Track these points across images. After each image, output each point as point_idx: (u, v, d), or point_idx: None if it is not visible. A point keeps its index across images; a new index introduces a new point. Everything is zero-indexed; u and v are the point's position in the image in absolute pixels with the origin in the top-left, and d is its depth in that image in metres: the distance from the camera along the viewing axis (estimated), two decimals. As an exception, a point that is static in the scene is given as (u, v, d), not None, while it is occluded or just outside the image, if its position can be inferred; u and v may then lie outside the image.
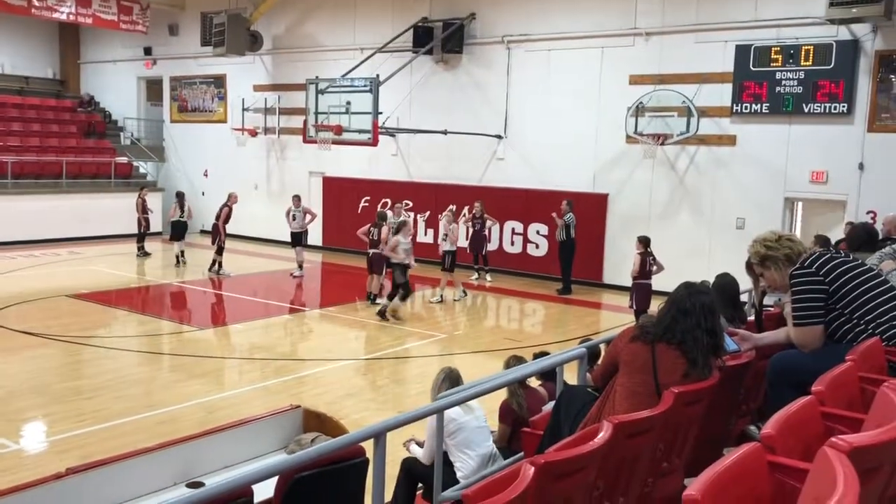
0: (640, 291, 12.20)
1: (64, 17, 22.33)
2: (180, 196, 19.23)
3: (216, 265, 17.10)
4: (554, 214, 16.01)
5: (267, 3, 20.97)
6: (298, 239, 17.23)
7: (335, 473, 3.79)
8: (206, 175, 24.32)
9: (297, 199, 17.50)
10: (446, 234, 15.25)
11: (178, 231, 18.68)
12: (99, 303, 14.09)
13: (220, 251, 17.12)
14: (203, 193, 24.35)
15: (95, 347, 11.21)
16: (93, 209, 21.99)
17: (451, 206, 16.73)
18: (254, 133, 22.53)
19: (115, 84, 26.75)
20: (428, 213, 19.44)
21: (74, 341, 11.31)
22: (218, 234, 17.06)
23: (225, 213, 17.09)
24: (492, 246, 17.79)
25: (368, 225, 14.77)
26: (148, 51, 25.39)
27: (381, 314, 13.19)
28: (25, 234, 20.46)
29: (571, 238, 15.76)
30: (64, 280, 15.90)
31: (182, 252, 18.53)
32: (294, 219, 17.19)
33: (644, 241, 12.50)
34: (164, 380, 9.98)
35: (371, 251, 14.50)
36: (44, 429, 8.08)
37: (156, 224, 21.63)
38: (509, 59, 17.95)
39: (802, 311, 3.88)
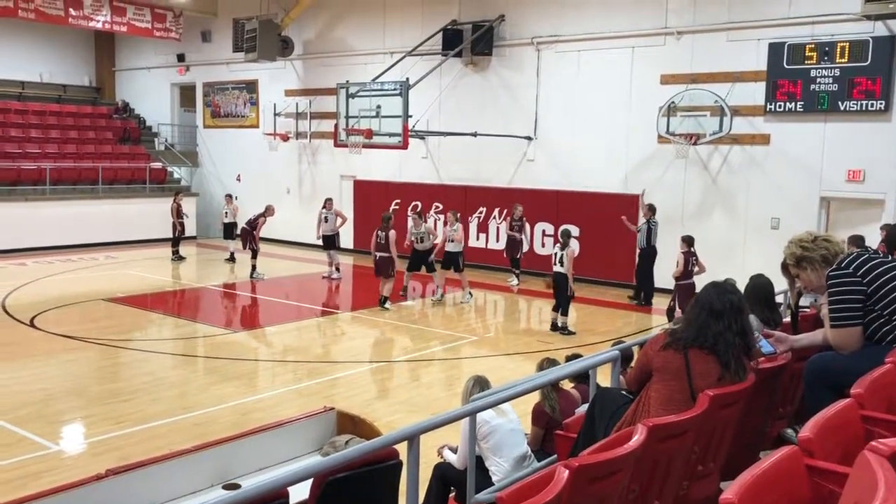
0: (683, 292, 12.07)
1: (99, 25, 22.74)
2: (227, 198, 20.26)
3: (253, 269, 17.27)
4: (624, 219, 15.55)
5: (298, 8, 21.15)
6: (332, 242, 17.30)
7: (369, 475, 3.81)
8: (238, 180, 24.58)
9: (329, 201, 17.63)
10: (451, 237, 15.02)
11: (229, 231, 19.68)
12: (135, 306, 14.30)
13: (254, 255, 17.30)
14: (236, 198, 24.62)
15: (132, 350, 11.39)
16: (128, 214, 22.36)
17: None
18: (285, 138, 22.74)
19: (149, 91, 27.18)
20: (458, 215, 19.42)
21: (111, 344, 11.49)
22: (251, 239, 17.28)
23: (260, 224, 17.34)
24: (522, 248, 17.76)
25: (377, 229, 14.54)
26: (181, 57, 25.75)
27: (563, 328, 12.58)
28: (63, 239, 20.85)
29: (651, 245, 15.00)
30: (101, 284, 16.17)
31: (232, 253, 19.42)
32: (326, 221, 17.27)
33: (688, 241, 12.41)
34: (198, 382, 10.09)
35: (378, 254, 14.31)
36: (82, 430, 8.22)
37: (190, 229, 21.92)
38: (539, 60, 17.92)
39: (840, 313, 3.82)
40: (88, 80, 28.02)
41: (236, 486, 4.58)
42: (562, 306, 12.55)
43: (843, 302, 3.81)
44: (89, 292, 15.14)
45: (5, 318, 13.08)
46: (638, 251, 15.19)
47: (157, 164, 24.65)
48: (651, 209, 14.99)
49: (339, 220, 17.41)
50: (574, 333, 12.43)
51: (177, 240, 19.83)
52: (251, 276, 17.14)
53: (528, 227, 16.91)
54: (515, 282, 16.87)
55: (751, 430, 3.97)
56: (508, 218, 17.19)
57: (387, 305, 14.27)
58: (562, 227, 14.66)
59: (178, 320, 13.72)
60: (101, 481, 4.26)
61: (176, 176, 25.50)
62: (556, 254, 12.48)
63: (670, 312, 12.28)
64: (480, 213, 18.97)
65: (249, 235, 17.37)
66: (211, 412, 8.61)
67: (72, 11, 21.66)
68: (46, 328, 12.36)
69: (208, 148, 25.82)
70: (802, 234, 4.22)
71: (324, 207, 17.48)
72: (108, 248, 21.17)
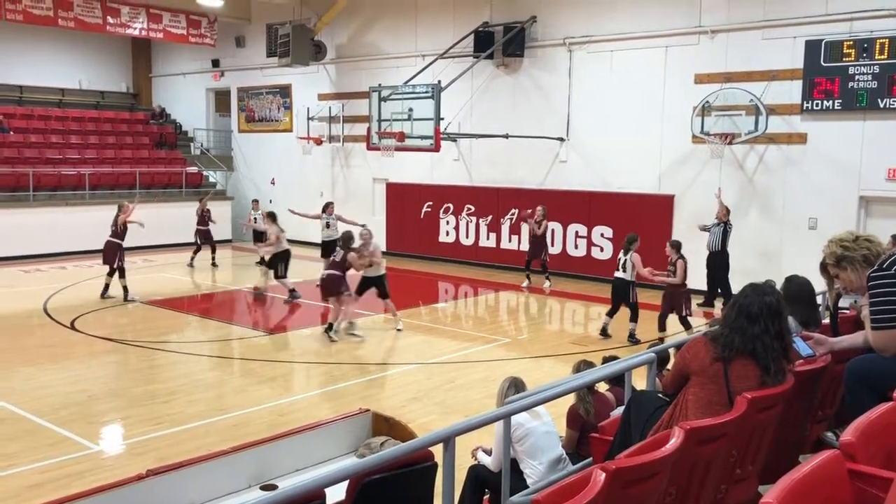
0: (686, 297, 11.71)
1: (136, 32, 23.13)
2: (253, 203, 20.00)
3: (121, 290, 14.86)
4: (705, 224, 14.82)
5: (330, 13, 21.33)
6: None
7: (405, 477, 3.83)
8: (273, 183, 24.83)
9: (330, 205, 17.18)
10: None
11: (258, 236, 19.38)
12: (171, 309, 14.51)
13: (122, 273, 14.84)
14: (270, 201, 24.84)
15: (169, 352, 11.55)
16: (165, 218, 22.62)
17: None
18: (319, 141, 22.92)
19: (184, 96, 27.59)
20: (490, 217, 19.45)
21: (149, 346, 11.67)
22: (119, 255, 14.87)
23: (121, 222, 14.96)
24: (555, 250, 17.69)
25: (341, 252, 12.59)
26: (216, 63, 26.10)
27: (631, 336, 12.06)
28: (102, 243, 21.13)
29: (725, 249, 14.37)
30: (138, 287, 16.36)
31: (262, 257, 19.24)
32: (328, 226, 16.67)
33: (677, 246, 11.89)
34: (234, 384, 10.21)
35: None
36: (122, 431, 8.36)
37: (225, 232, 22.12)
38: (571, 60, 17.85)
39: (881, 314, 3.75)
40: (126, 87, 28.53)
41: (273, 487, 4.63)
42: (631, 313, 12.14)
43: (884, 303, 3.75)
44: (128, 295, 15.42)
45: (47, 321, 13.37)
46: (708, 253, 14.54)
47: (193, 169, 24.98)
48: (727, 210, 14.48)
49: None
50: (640, 342, 11.95)
51: (200, 246, 19.11)
52: (125, 299, 14.75)
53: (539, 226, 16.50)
54: (548, 284, 16.71)
55: (790, 434, 3.92)
56: (532, 219, 16.65)
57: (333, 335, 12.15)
58: (629, 234, 13.45)
59: (213, 322, 13.89)
60: (142, 481, 4.34)
61: (212, 180, 25.82)
62: (619, 259, 12.25)
63: (684, 318, 11.79)
64: (512, 214, 18.92)
65: (119, 250, 14.86)
66: (247, 413, 8.70)
67: (109, 19, 22.06)
68: (86, 330, 12.60)
69: (243, 152, 26.12)
70: (843, 234, 4.16)
71: (324, 212, 16.90)
72: (145, 252, 21.46)
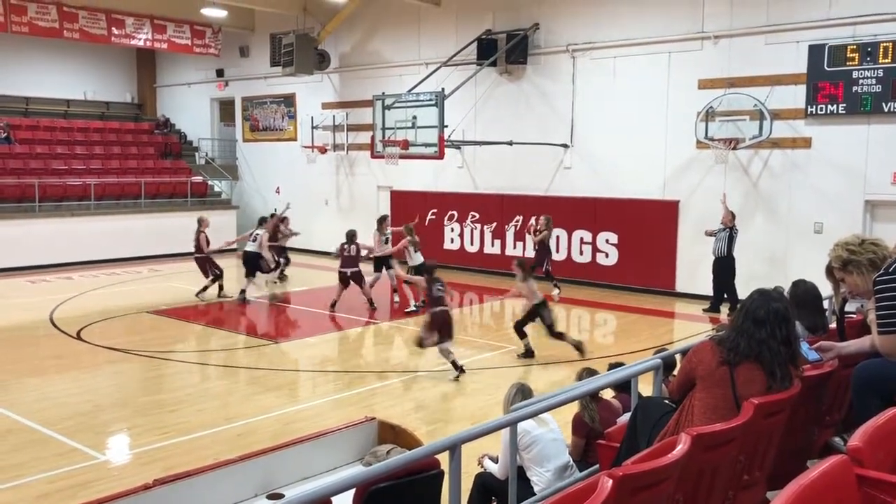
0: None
1: (141, 43, 23.24)
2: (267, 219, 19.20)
3: (217, 290, 16.24)
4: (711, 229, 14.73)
5: (333, 22, 21.40)
6: (389, 262, 15.47)
7: (411, 485, 3.83)
8: (277, 192, 24.88)
9: (385, 219, 16.24)
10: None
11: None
12: (178, 318, 14.53)
13: (220, 275, 16.36)
14: (275, 210, 24.92)
15: (175, 362, 11.56)
16: (170, 227, 22.68)
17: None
18: (323, 150, 22.97)
19: (189, 106, 27.69)
20: (494, 224, 19.46)
21: (156, 356, 11.68)
22: (210, 264, 16.27)
23: (204, 239, 16.06)
24: (560, 256, 17.68)
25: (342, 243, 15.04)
26: (220, 73, 26.20)
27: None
28: (108, 253, 21.28)
29: (731, 255, 14.25)
30: (145, 297, 16.47)
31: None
32: (387, 242, 15.66)
33: (428, 270, 11.20)
34: (240, 393, 10.20)
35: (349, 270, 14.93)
36: (128, 441, 8.36)
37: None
38: (574, 67, 17.87)
39: (888, 318, 3.75)
40: (130, 97, 28.66)
41: (280, 496, 4.63)
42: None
43: (891, 307, 3.74)
44: (133, 305, 15.44)
45: (53, 332, 13.39)
46: (714, 259, 14.48)
47: (198, 178, 25.06)
48: (733, 216, 14.39)
49: (365, 251, 15.41)
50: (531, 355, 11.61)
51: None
52: (198, 296, 16.04)
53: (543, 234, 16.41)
54: (557, 291, 16.55)
55: (797, 439, 3.91)
56: (535, 228, 16.53)
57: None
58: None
59: (219, 332, 13.90)
60: (149, 491, 4.34)
61: (217, 189, 25.89)
62: None
63: (420, 342, 10.73)
64: (517, 221, 18.93)
65: (208, 261, 16.25)
66: (253, 422, 8.70)
67: (114, 30, 22.18)
68: (92, 341, 12.61)
69: (248, 161, 26.20)
70: (849, 238, 4.16)
71: (380, 227, 15.75)
72: (151, 261, 21.53)
